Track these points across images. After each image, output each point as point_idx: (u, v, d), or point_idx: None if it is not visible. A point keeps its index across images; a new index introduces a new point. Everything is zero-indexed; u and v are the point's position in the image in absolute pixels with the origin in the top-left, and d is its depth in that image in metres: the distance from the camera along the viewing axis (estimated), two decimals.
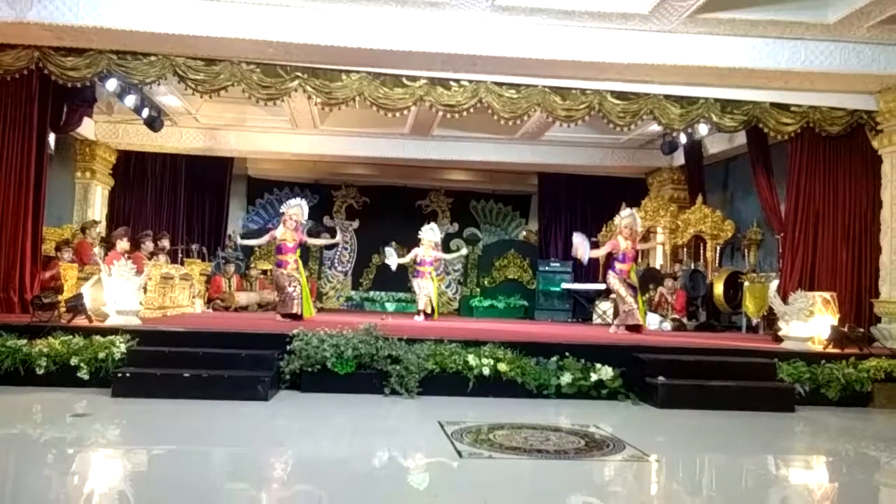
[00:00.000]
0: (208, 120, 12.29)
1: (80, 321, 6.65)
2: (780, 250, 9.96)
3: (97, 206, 12.36)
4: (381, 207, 16.09)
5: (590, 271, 13.70)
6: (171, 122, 12.14)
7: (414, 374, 6.05)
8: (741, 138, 10.61)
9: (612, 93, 8.64)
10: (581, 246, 9.14)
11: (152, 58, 8.05)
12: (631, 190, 13.66)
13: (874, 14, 7.22)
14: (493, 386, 6.17)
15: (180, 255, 10.96)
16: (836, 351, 7.17)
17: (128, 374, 5.75)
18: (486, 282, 15.15)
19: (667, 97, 8.70)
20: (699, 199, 12.07)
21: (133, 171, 13.16)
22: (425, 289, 10.73)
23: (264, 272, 13.10)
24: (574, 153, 13.25)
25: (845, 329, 7.50)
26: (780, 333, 7.82)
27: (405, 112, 8.97)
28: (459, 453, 4.17)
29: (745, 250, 11.70)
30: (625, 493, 3.85)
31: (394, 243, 11.83)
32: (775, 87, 8.47)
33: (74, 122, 10.09)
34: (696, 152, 12.21)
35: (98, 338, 6.08)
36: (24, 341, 6.01)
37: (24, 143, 8.16)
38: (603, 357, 6.46)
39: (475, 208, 16.70)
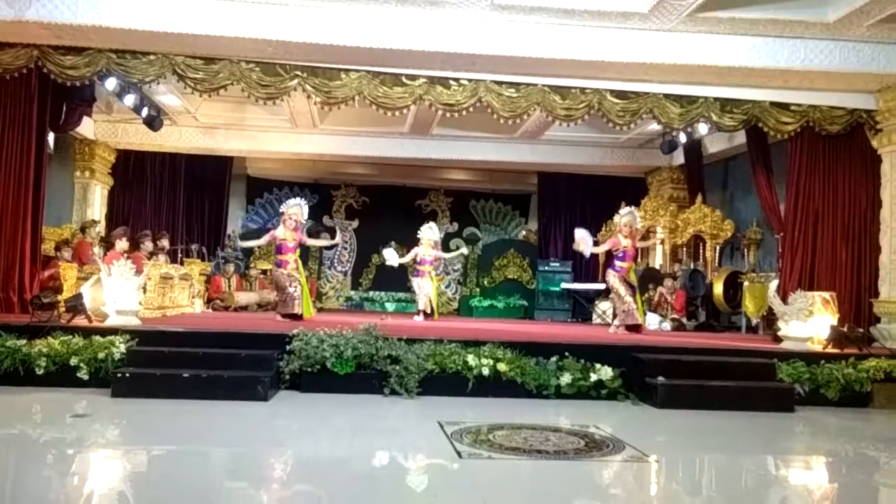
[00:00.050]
0: (208, 119, 12.27)
1: (80, 321, 6.65)
2: (780, 250, 9.95)
3: (96, 206, 12.35)
4: (380, 207, 16.08)
5: (589, 271, 13.71)
6: (171, 122, 12.13)
7: (413, 375, 6.05)
8: (741, 137, 10.60)
9: (612, 92, 8.64)
10: (583, 240, 9.18)
11: (151, 57, 8.04)
12: (630, 189, 13.65)
13: (874, 13, 7.21)
14: (493, 386, 6.17)
15: (180, 255, 10.96)
16: (836, 351, 7.17)
17: (127, 375, 5.74)
18: (485, 282, 15.15)
19: (666, 96, 8.70)
20: (699, 198, 12.07)
21: (132, 170, 13.14)
22: (425, 289, 10.73)
23: (264, 272, 13.10)
24: (574, 152, 13.24)
25: (845, 329, 7.50)
26: (779, 333, 7.83)
27: (404, 111, 8.97)
28: (459, 454, 4.17)
29: (745, 250, 11.70)
30: (624, 493, 3.84)
31: (393, 243, 11.83)
32: (775, 86, 8.47)
33: (74, 122, 10.08)
34: (695, 152, 12.21)
35: (98, 338, 6.08)
36: (24, 341, 6.00)
37: (23, 142, 8.15)
38: (603, 357, 6.46)
39: (475, 208, 16.70)
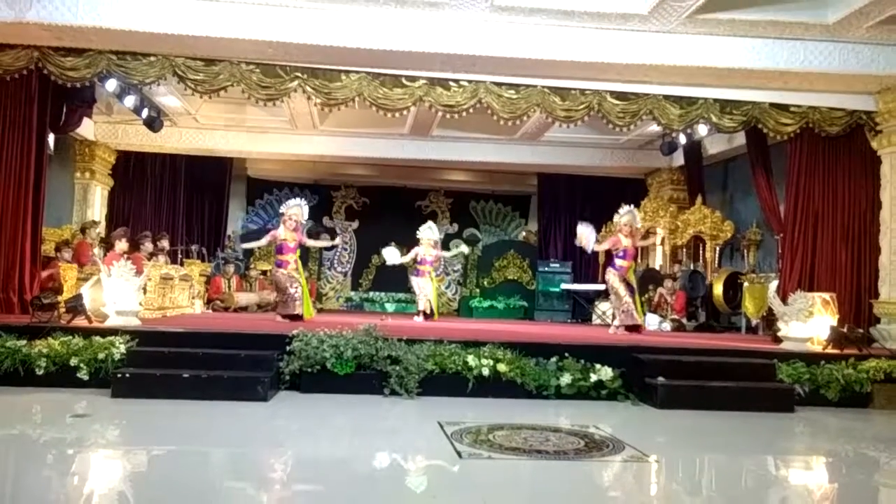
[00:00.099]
0: (208, 120, 12.29)
1: (80, 322, 6.65)
2: (780, 251, 9.96)
3: (96, 207, 12.36)
4: (380, 208, 16.08)
5: (589, 272, 13.71)
6: (171, 123, 12.14)
7: (413, 375, 6.05)
8: (740, 139, 10.61)
9: (612, 93, 8.65)
10: (586, 236, 9.17)
11: (152, 58, 8.05)
12: (630, 190, 13.60)
13: (873, 14, 7.22)
14: (493, 386, 6.17)
15: (180, 256, 10.96)
16: (836, 351, 7.17)
17: (127, 375, 5.74)
18: (485, 282, 15.15)
19: (666, 97, 8.71)
20: (698, 199, 12.08)
21: (132, 171, 13.16)
22: (425, 289, 10.72)
23: (264, 273, 13.10)
24: (573, 154, 13.25)
25: (845, 330, 7.50)
26: (779, 334, 7.83)
27: (404, 112, 8.98)
28: (459, 454, 4.17)
29: (745, 251, 11.71)
30: (624, 493, 3.85)
31: (393, 244, 11.83)
32: (774, 87, 8.48)
33: (74, 123, 10.09)
34: (695, 153, 12.22)
35: (98, 338, 6.08)
36: (24, 342, 6.00)
37: (23, 143, 8.16)
38: (602, 357, 6.46)
39: (475, 209, 16.71)
